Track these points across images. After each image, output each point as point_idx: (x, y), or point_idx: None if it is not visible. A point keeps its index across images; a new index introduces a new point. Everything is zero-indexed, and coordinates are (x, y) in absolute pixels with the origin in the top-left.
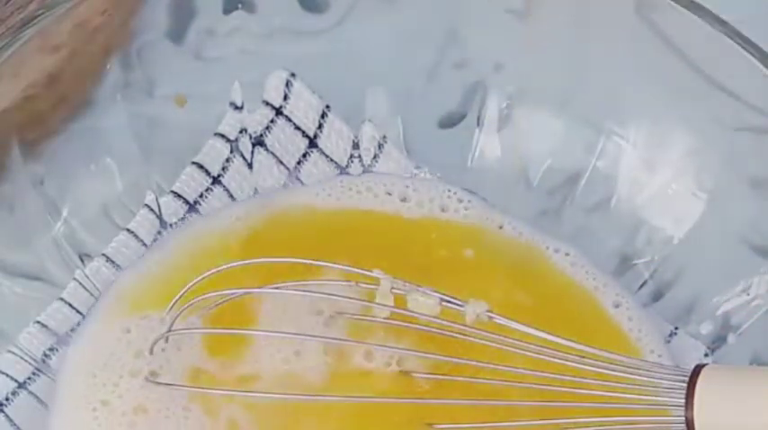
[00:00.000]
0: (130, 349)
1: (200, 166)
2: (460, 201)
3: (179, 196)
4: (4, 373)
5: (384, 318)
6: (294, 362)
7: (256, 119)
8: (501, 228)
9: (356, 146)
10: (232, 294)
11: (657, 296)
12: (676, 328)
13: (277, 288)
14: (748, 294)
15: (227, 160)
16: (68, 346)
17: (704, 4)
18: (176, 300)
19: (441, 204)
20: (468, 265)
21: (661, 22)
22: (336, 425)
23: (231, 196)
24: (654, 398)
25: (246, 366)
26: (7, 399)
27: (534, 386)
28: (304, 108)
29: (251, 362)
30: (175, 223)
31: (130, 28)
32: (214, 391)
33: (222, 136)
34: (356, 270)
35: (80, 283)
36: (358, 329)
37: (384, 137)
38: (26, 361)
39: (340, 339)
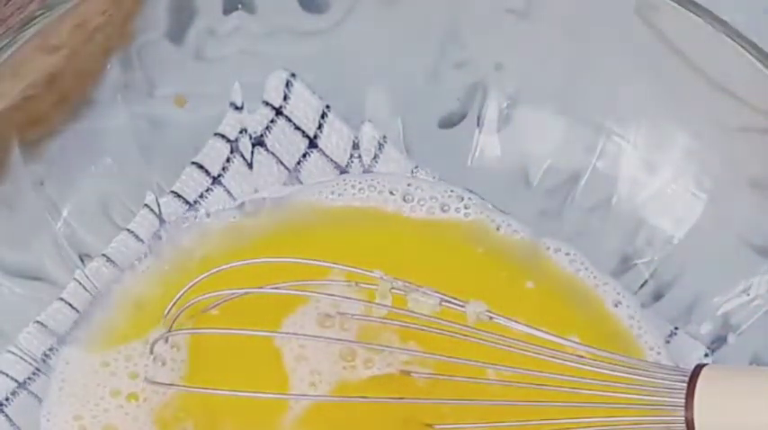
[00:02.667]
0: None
1: (200, 166)
2: (461, 199)
3: (179, 196)
4: (4, 373)
5: (384, 319)
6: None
7: (256, 119)
8: (501, 228)
9: (356, 146)
10: (232, 294)
11: (657, 296)
12: (676, 328)
13: (277, 288)
14: (748, 294)
15: (227, 160)
16: (67, 346)
17: (704, 4)
18: (176, 300)
19: (442, 203)
20: (468, 265)
21: (661, 22)
22: (336, 426)
23: (231, 196)
24: (654, 398)
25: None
26: (7, 399)
27: (534, 386)
28: (304, 108)
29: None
30: (175, 223)
31: (130, 28)
32: (212, 391)
33: (222, 136)
34: (357, 270)
35: (80, 283)
36: (358, 330)
37: (384, 137)
38: (26, 361)
39: (339, 339)
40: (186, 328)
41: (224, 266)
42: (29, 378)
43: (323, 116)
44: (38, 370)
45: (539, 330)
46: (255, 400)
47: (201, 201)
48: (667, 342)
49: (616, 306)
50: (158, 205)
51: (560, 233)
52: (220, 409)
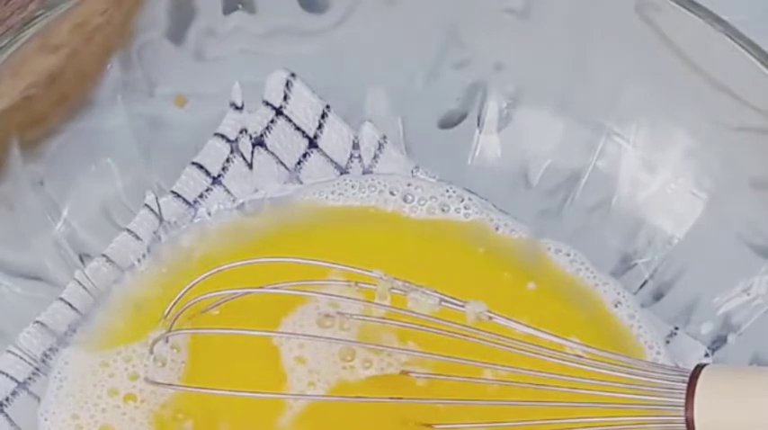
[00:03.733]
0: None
1: (200, 166)
2: (461, 200)
3: (179, 196)
4: (4, 373)
5: (384, 319)
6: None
7: (256, 119)
8: (501, 228)
9: (356, 146)
10: (232, 294)
11: (657, 296)
12: (676, 328)
13: (277, 288)
14: (748, 294)
15: (228, 160)
16: (66, 346)
17: (704, 4)
18: (176, 301)
19: (442, 203)
20: (468, 265)
21: (661, 22)
22: (334, 426)
23: (231, 196)
24: (654, 398)
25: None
26: (7, 399)
27: (534, 386)
28: (304, 108)
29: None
30: (175, 223)
31: (130, 28)
32: (211, 391)
33: (222, 136)
34: (356, 270)
35: (80, 283)
36: (357, 330)
37: (384, 137)
38: (26, 361)
39: (339, 339)
40: (186, 329)
41: (224, 266)
42: (29, 378)
43: (323, 116)
44: (38, 370)
45: (538, 330)
46: (254, 400)
47: (201, 201)
48: (667, 342)
49: (616, 306)
50: (158, 205)
51: (560, 233)
52: (219, 410)
